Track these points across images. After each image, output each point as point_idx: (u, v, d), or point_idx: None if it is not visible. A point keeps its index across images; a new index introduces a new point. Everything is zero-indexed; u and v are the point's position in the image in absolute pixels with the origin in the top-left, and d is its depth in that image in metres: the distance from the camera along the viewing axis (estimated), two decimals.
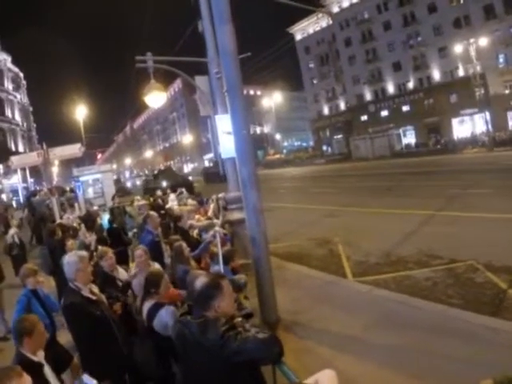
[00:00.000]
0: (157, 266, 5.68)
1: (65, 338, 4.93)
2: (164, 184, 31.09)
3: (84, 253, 4.79)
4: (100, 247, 7.04)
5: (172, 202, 14.15)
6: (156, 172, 42.81)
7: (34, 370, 3.16)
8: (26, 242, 14.88)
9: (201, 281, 2.85)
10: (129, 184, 77.28)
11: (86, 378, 3.17)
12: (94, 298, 4.21)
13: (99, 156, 78.97)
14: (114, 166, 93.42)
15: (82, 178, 22.06)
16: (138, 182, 76.25)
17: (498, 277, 7.55)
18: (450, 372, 4.46)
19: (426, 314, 6.14)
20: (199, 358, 2.66)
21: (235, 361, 2.50)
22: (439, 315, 6.06)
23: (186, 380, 2.96)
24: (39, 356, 3.41)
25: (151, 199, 16.28)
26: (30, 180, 55.47)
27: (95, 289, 4.40)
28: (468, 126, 55.00)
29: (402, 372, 4.68)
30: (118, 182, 48.64)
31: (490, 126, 45.09)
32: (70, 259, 4.34)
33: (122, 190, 37.67)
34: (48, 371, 3.40)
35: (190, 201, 12.30)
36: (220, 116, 8.56)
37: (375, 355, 5.14)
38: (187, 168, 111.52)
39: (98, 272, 5.13)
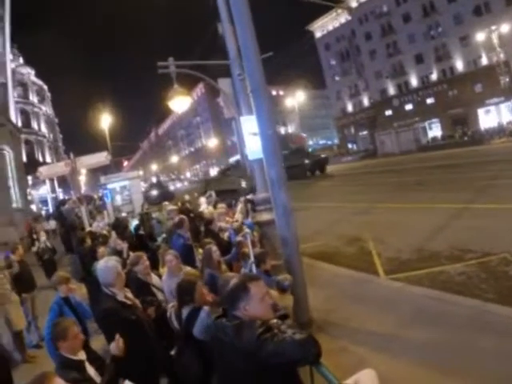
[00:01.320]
0: (188, 269, 5.70)
1: (98, 344, 5.00)
2: (243, 184, 28.56)
3: (117, 258, 4.85)
4: (132, 253, 7.12)
5: (203, 205, 14.23)
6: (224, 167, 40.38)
7: (77, 367, 3.33)
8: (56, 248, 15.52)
9: (231, 282, 2.86)
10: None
11: (127, 383, 3.20)
12: (128, 302, 4.25)
13: (125, 163, 79.96)
14: (141, 173, 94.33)
15: (109, 186, 22.34)
16: (179, 185, 76.00)
17: None
18: (488, 368, 4.38)
19: (461, 310, 6.03)
20: (235, 361, 2.64)
21: (272, 363, 2.47)
22: (475, 310, 5.94)
23: (221, 382, 2.94)
24: (80, 355, 3.50)
25: (179, 203, 16.39)
26: (59, 190, 56.49)
27: (129, 294, 4.43)
28: (494, 115, 53.92)
29: (439, 369, 4.60)
30: (159, 185, 43.02)
31: None
32: (109, 264, 4.38)
33: (164, 195, 33.76)
34: (90, 368, 3.49)
35: (219, 204, 12.35)
36: (245, 117, 8.54)
37: (411, 353, 5.08)
38: (213, 171, 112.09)
39: (131, 278, 5.17)
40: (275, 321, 2.83)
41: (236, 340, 2.60)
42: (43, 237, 13.91)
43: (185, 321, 3.93)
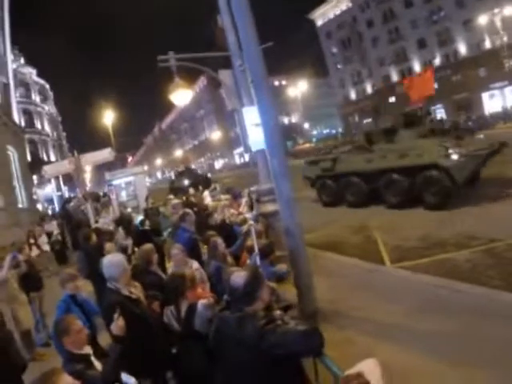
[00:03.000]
0: (195, 264, 5.71)
1: (105, 340, 5.01)
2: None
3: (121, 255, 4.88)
4: (137, 249, 7.15)
5: (207, 198, 14.23)
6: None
7: (84, 361, 3.38)
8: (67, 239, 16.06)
9: (242, 276, 2.85)
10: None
11: (124, 376, 3.22)
12: (133, 296, 4.27)
13: (130, 159, 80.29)
14: (146, 168, 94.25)
15: (114, 182, 22.37)
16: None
17: None
18: (496, 355, 4.36)
19: (468, 297, 6.02)
20: (239, 353, 2.66)
21: (275, 354, 2.49)
22: (482, 297, 5.93)
23: (225, 375, 2.94)
24: (86, 350, 3.54)
25: (184, 198, 16.41)
26: (64, 188, 56.64)
27: (134, 289, 4.44)
28: (498, 100, 53.50)
29: (447, 359, 4.56)
30: (189, 173, 34.22)
31: None
32: (114, 259, 4.45)
33: (199, 182, 27.97)
34: (96, 362, 3.52)
35: (222, 196, 12.36)
36: (247, 108, 8.52)
37: (419, 342, 5.05)
38: (218, 164, 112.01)
39: (140, 271, 5.18)
40: (278, 312, 2.86)
41: (239, 332, 2.62)
42: (55, 231, 14.52)
43: (184, 318, 3.94)
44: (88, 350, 3.57)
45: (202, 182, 26.98)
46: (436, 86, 59.23)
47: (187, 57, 10.53)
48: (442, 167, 12.09)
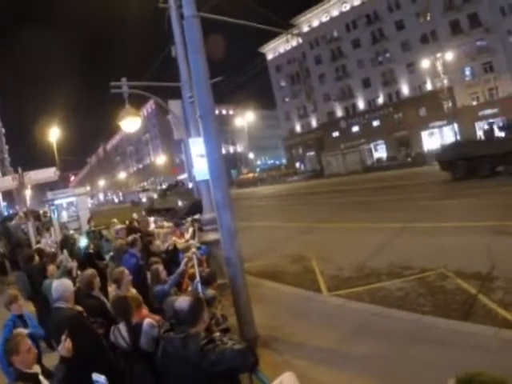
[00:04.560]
0: (133, 290, 5.76)
1: (50, 361, 4.99)
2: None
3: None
4: (79, 272, 7.10)
5: (152, 224, 14.10)
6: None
7: (33, 380, 3.39)
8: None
9: (186, 300, 3.10)
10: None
11: (95, 375, 3.28)
12: (84, 314, 4.38)
13: (72, 178, 78.21)
14: (88, 188, 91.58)
15: (56, 202, 21.80)
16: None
17: (468, 283, 7.86)
18: (424, 378, 4.64)
19: (400, 324, 6.37)
20: (182, 370, 2.89)
21: (215, 371, 2.76)
22: (413, 324, 6.29)
23: None
24: (34, 369, 3.56)
25: (127, 222, 16.23)
26: (3, 203, 54.43)
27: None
28: (437, 138, 56.54)
29: (378, 380, 4.87)
30: (186, 193, 25.61)
31: (458, 137, 46.46)
32: (65, 281, 4.63)
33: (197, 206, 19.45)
34: (45, 381, 3.55)
35: (165, 223, 12.35)
36: (193, 139, 8.72)
37: (352, 365, 5.34)
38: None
39: (82, 295, 5.19)
40: (218, 334, 3.13)
41: (183, 351, 2.88)
42: None
43: (130, 336, 4.03)
44: (37, 369, 3.60)
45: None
46: (378, 123, 62.22)
47: (139, 85, 10.72)
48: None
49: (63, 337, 3.54)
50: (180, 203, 22.76)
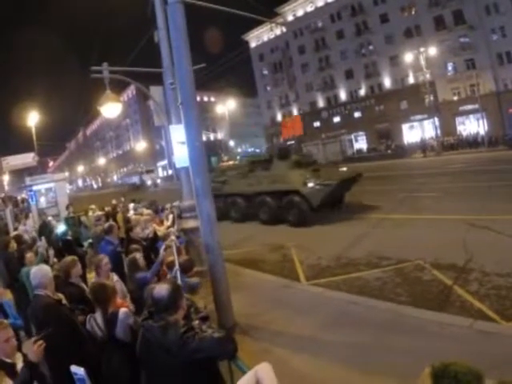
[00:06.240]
0: (114, 276, 5.73)
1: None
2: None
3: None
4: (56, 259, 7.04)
5: (131, 211, 13.99)
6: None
7: (8, 370, 3.30)
8: None
9: (164, 288, 3.07)
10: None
11: (73, 367, 3.26)
12: (63, 302, 4.36)
13: (51, 163, 77.09)
14: (67, 174, 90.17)
15: (35, 188, 21.50)
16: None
17: (444, 274, 8.04)
18: (400, 365, 4.71)
19: (377, 313, 6.51)
20: (162, 359, 2.90)
21: (194, 358, 2.77)
22: (389, 313, 6.43)
23: (150, 379, 3.13)
24: (13, 359, 3.46)
25: (106, 209, 16.10)
26: None
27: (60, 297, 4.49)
28: (417, 131, 56.94)
29: (357, 368, 4.96)
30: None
31: (438, 131, 47.00)
32: (44, 268, 4.56)
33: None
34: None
35: (145, 210, 12.25)
36: (174, 126, 8.64)
37: (329, 353, 5.43)
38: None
39: (60, 283, 5.13)
40: (197, 322, 3.13)
41: (163, 339, 2.87)
42: None
43: (106, 325, 4.01)
44: (16, 359, 3.48)
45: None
46: (359, 114, 62.40)
47: (120, 70, 10.57)
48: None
49: (34, 338, 3.35)
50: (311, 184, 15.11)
